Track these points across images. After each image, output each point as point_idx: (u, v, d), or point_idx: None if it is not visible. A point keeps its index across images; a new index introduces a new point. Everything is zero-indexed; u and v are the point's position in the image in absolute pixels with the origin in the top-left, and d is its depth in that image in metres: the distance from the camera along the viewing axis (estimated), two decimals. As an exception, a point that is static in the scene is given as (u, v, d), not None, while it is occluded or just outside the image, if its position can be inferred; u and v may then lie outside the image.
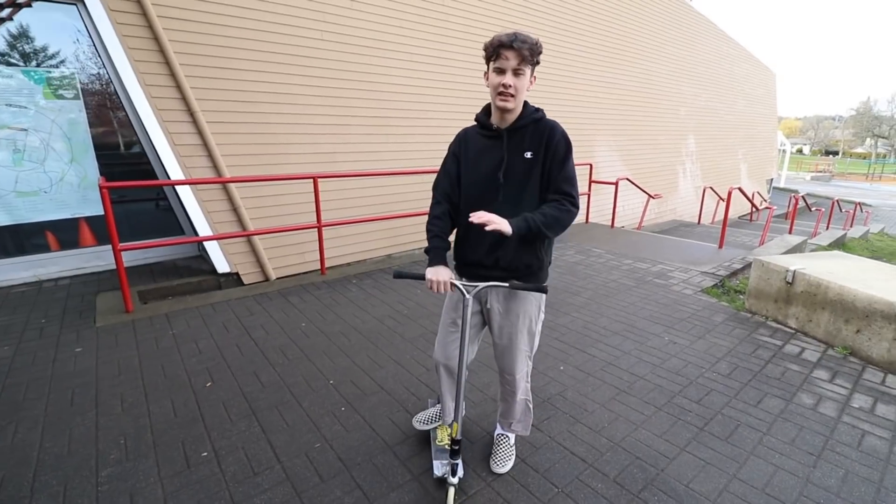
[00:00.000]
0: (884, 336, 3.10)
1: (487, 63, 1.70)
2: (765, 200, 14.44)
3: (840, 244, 8.82)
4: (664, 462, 2.16)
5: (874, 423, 2.51)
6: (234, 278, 4.74)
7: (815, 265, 3.78)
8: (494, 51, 1.63)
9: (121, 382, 2.75)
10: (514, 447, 2.16)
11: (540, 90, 7.71)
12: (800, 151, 63.10)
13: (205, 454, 2.15)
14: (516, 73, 1.63)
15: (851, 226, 11.90)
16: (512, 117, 1.74)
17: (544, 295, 1.86)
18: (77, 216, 4.69)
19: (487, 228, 1.58)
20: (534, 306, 1.88)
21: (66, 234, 4.68)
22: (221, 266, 4.64)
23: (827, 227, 11.13)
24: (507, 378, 1.99)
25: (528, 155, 1.73)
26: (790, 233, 9.19)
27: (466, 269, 1.91)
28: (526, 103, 1.77)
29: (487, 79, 1.72)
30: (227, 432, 2.31)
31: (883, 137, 59.82)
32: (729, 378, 2.93)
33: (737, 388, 2.82)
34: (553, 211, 1.68)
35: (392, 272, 1.77)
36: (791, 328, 3.69)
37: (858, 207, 14.68)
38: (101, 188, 3.40)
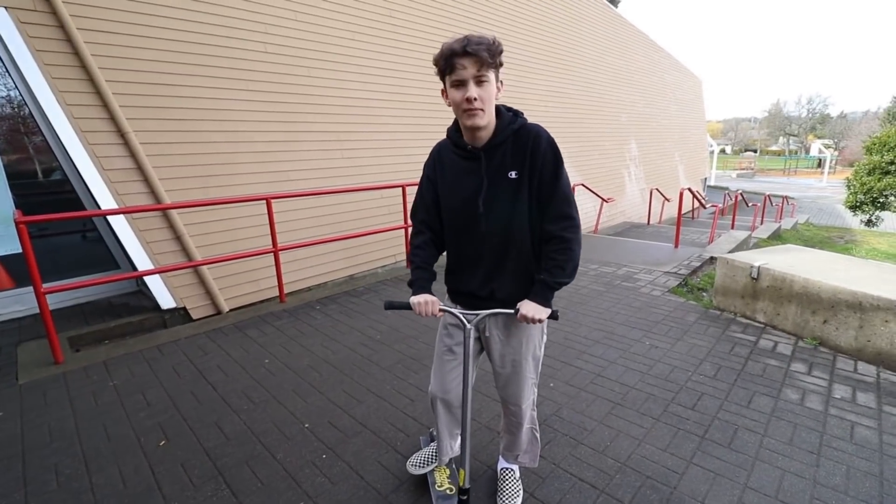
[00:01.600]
0: (850, 325, 3.20)
1: (443, 79, 1.44)
2: (705, 198, 15.29)
3: (777, 236, 9.40)
4: (675, 478, 2.06)
5: (859, 413, 2.55)
6: (180, 314, 4.29)
7: (776, 260, 3.90)
8: (447, 62, 1.38)
9: (54, 451, 2.33)
10: (520, 481, 1.99)
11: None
12: (723, 151, 67.94)
13: (165, 532, 1.82)
14: (479, 81, 1.38)
15: (782, 218, 12.78)
16: (486, 134, 1.50)
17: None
18: (-11, 256, 4.10)
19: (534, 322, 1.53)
20: (537, 330, 1.72)
21: (-25, 277, 4.07)
22: (165, 301, 4.19)
23: (762, 221, 11.87)
24: (513, 409, 1.81)
25: (513, 175, 1.51)
26: (733, 228, 9.70)
27: (461, 298, 1.72)
28: (500, 111, 1.53)
29: (446, 97, 1.46)
30: (189, 500, 1.98)
31: (793, 135, 65.72)
32: (716, 379, 2.91)
33: (725, 389, 2.80)
34: (563, 256, 1.52)
35: (383, 302, 1.54)
36: (760, 322, 3.78)
37: (785, 201, 15.83)
38: (16, 223, 2.95)
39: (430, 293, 1.61)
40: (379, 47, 6.02)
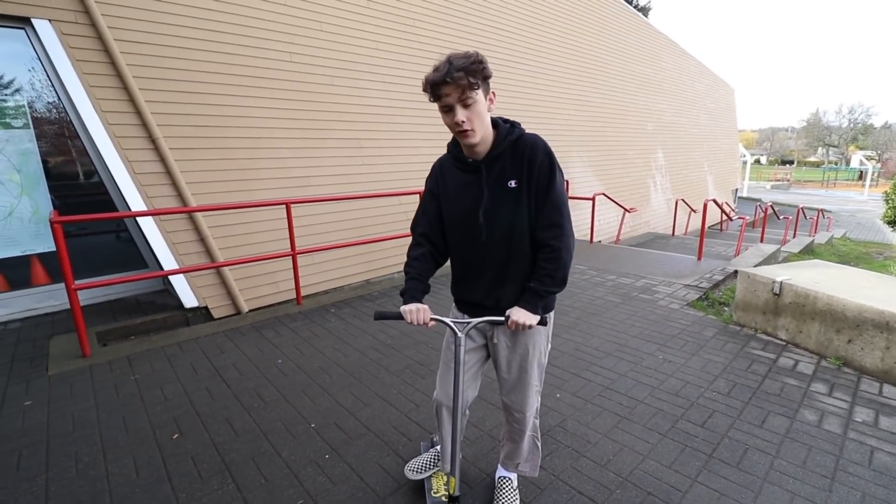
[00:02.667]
0: (876, 345, 3.07)
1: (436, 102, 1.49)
2: (734, 210, 14.86)
3: (809, 250, 9.05)
4: (677, 497, 2.02)
5: (881, 438, 2.44)
6: (202, 313, 4.44)
7: (800, 275, 3.78)
8: (432, 92, 1.43)
9: (75, 440, 2.45)
10: (517, 490, 1.98)
11: (512, 108, 7.77)
12: (758, 161, 65.96)
13: (171, 522, 1.89)
14: (464, 104, 1.42)
15: (816, 232, 12.31)
16: (484, 148, 1.54)
17: (551, 324, 1.71)
18: (28, 253, 4.34)
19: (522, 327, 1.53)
20: (542, 337, 1.73)
21: (15, 272, 4.31)
22: (189, 300, 4.35)
23: (794, 235, 11.46)
24: (517, 416, 1.82)
25: (513, 184, 1.54)
26: (762, 241, 9.40)
27: (467, 308, 1.76)
28: (498, 123, 1.56)
29: (442, 118, 1.51)
30: (196, 493, 2.05)
31: (833, 146, 63.23)
32: (729, 397, 2.84)
33: (739, 407, 2.72)
34: (552, 265, 1.55)
35: (374, 312, 1.56)
36: (781, 340, 3.66)
37: (821, 214, 15.25)
38: (51, 223, 3.12)
39: (421, 301, 1.62)
40: (400, 56, 6.12)
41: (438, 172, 1.69)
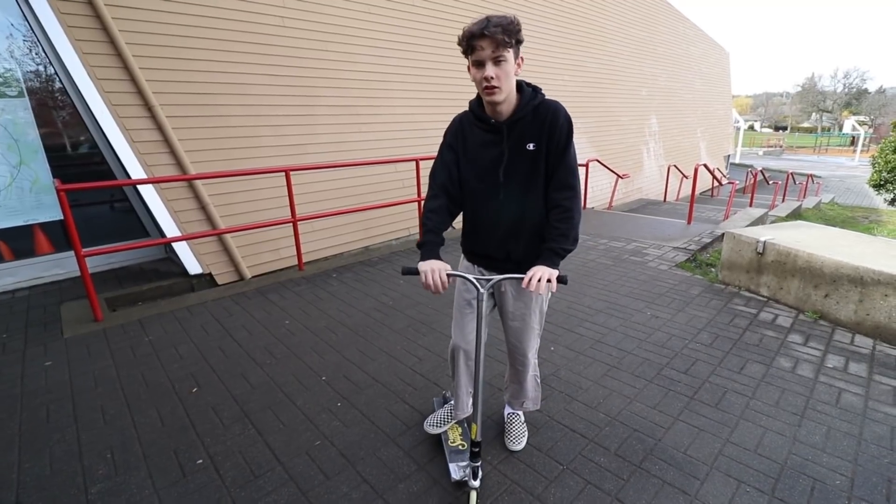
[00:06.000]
0: (850, 299, 3.27)
1: (467, 57, 1.56)
2: (725, 176, 15.00)
3: (797, 215, 9.26)
4: (660, 432, 2.23)
5: (848, 381, 2.66)
6: (206, 279, 4.56)
7: (782, 235, 3.95)
8: (468, 44, 1.50)
9: (99, 395, 2.61)
10: (525, 424, 2.20)
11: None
12: (751, 128, 65.74)
13: (200, 461, 2.07)
14: (496, 61, 1.49)
15: (805, 197, 12.51)
16: (508, 109, 1.62)
17: None
18: (30, 223, 4.39)
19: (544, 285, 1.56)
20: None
21: (19, 242, 4.37)
22: (193, 267, 4.46)
23: (783, 200, 11.66)
24: (520, 359, 2.00)
25: (531, 146, 1.63)
26: (751, 206, 9.58)
27: (477, 259, 1.88)
28: (522, 86, 1.64)
29: (471, 73, 1.59)
30: (220, 437, 2.23)
31: (827, 112, 63.03)
32: (711, 348, 3.04)
33: (720, 356, 2.93)
34: (565, 224, 1.65)
35: (401, 268, 1.67)
36: (763, 296, 3.86)
37: (810, 179, 15.43)
38: (58, 191, 3.18)
39: (440, 258, 1.70)
40: (393, 21, 6.04)
41: (458, 128, 1.75)
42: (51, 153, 4.36)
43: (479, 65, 1.52)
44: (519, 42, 1.52)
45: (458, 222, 1.80)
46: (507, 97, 1.58)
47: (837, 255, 3.39)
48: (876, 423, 2.31)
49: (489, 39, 1.46)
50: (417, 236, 6.06)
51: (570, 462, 2.03)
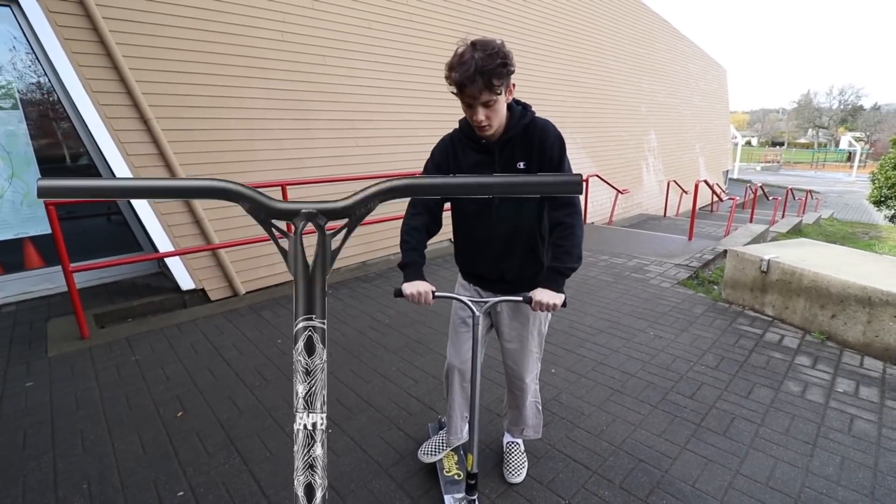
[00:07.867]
0: (858, 320, 3.18)
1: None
2: (724, 191, 15.01)
3: (797, 230, 9.21)
4: (667, 463, 2.12)
5: (860, 407, 2.56)
6: (199, 295, 4.46)
7: (786, 253, 3.87)
8: (458, 88, 1.43)
9: (80, 418, 2.50)
10: (525, 454, 2.08)
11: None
12: (749, 143, 66.17)
13: (181, 493, 1.95)
14: (487, 104, 1.44)
15: (804, 212, 12.49)
16: (498, 131, 1.57)
17: None
18: (20, 236, 4.30)
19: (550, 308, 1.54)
20: None
21: (8, 256, 4.28)
22: (185, 283, 4.36)
23: (783, 215, 11.62)
24: (517, 383, 1.90)
25: (521, 165, 1.58)
26: (751, 221, 9.53)
27: (473, 280, 1.82)
28: (511, 106, 1.59)
29: (461, 104, 1.51)
30: (203, 467, 2.11)
31: (823, 128, 63.59)
32: (717, 370, 2.94)
33: (726, 380, 2.83)
34: (569, 241, 1.58)
35: (393, 290, 1.60)
36: (768, 316, 3.76)
37: (809, 195, 15.44)
38: (46, 205, 3.11)
39: (423, 278, 1.64)
40: (391, 36, 6.05)
41: (449, 146, 1.69)
42: (44, 165, 4.29)
43: (470, 106, 1.47)
44: (510, 74, 1.44)
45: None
46: (497, 126, 1.54)
47: (844, 274, 3.31)
48: (891, 452, 2.21)
49: (477, 88, 1.40)
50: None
51: (573, 496, 1.92)
